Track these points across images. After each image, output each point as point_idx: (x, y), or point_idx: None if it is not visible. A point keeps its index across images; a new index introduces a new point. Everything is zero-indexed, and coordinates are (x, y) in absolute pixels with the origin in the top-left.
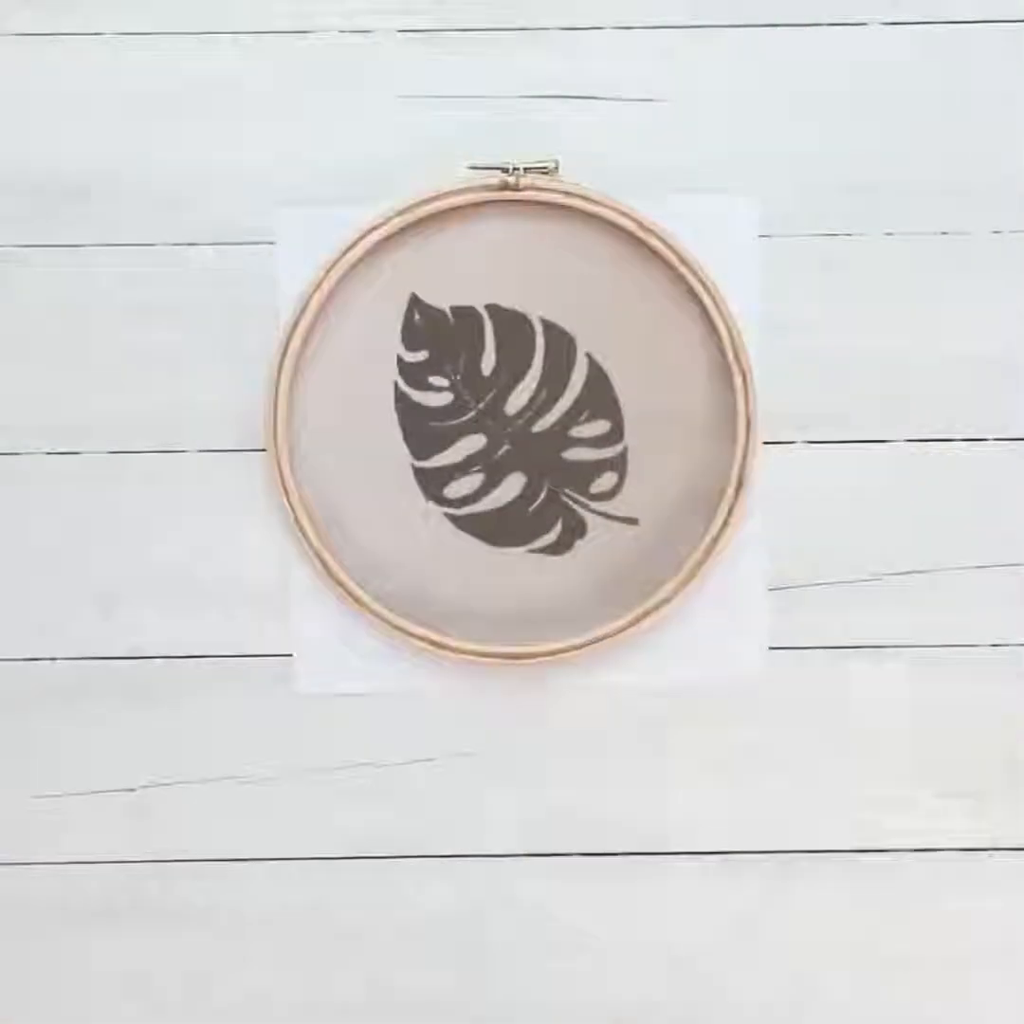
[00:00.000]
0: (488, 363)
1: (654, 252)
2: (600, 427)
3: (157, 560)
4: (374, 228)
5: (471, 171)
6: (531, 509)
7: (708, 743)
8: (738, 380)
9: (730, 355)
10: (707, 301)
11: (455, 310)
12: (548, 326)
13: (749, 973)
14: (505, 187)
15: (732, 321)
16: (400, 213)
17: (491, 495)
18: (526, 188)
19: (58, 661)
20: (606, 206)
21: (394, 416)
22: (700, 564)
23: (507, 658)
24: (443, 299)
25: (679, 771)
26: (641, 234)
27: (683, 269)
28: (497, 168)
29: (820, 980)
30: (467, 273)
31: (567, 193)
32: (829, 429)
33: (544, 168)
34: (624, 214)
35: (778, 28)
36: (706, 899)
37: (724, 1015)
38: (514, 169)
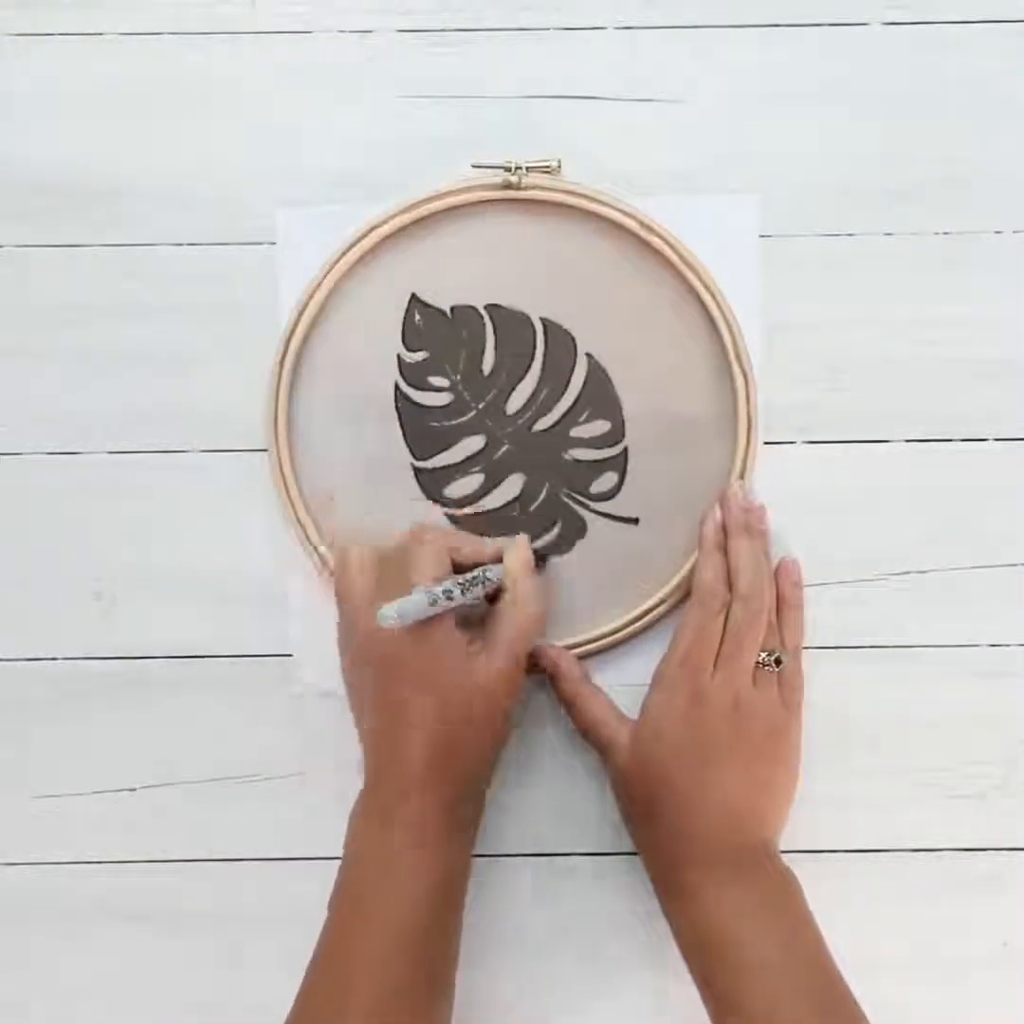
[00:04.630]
0: (488, 363)
1: (656, 252)
2: (600, 427)
3: (157, 560)
4: (375, 227)
5: (474, 170)
6: (531, 509)
7: None
8: (739, 380)
9: (731, 355)
10: (708, 301)
11: (455, 310)
12: (548, 326)
13: None
14: (507, 186)
15: (734, 321)
16: (401, 212)
17: (491, 495)
18: (529, 187)
19: (58, 661)
20: (609, 206)
21: (394, 416)
22: None
23: None
24: (443, 299)
25: None
26: (643, 234)
27: (685, 269)
28: (500, 167)
29: None
30: (467, 273)
31: (569, 192)
32: (829, 429)
33: (547, 167)
34: (626, 214)
35: (778, 28)
36: None
37: None
38: (516, 168)
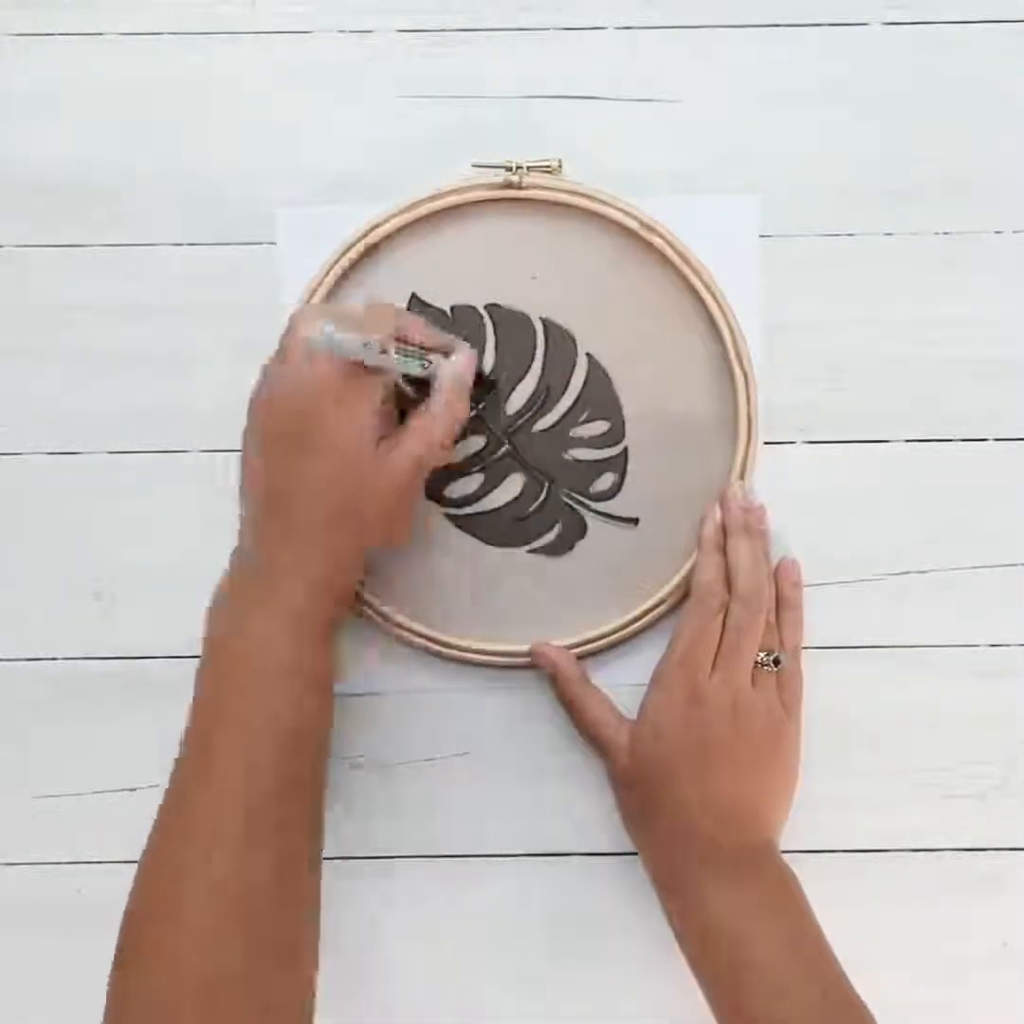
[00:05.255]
0: (488, 363)
1: (656, 252)
2: (600, 427)
3: (157, 560)
4: (375, 227)
5: (474, 169)
6: (531, 509)
7: None
8: (739, 380)
9: (731, 355)
10: (709, 301)
11: (455, 310)
12: (548, 326)
13: None
14: (508, 186)
15: (735, 321)
16: (401, 212)
17: (491, 495)
18: (529, 187)
19: (58, 661)
20: (609, 205)
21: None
22: None
23: (507, 658)
24: (443, 299)
25: None
26: (644, 233)
27: (685, 269)
28: (500, 167)
29: None
30: (467, 273)
31: (570, 192)
32: (829, 429)
33: (548, 167)
34: (627, 213)
35: (778, 28)
36: None
37: None
38: (517, 168)
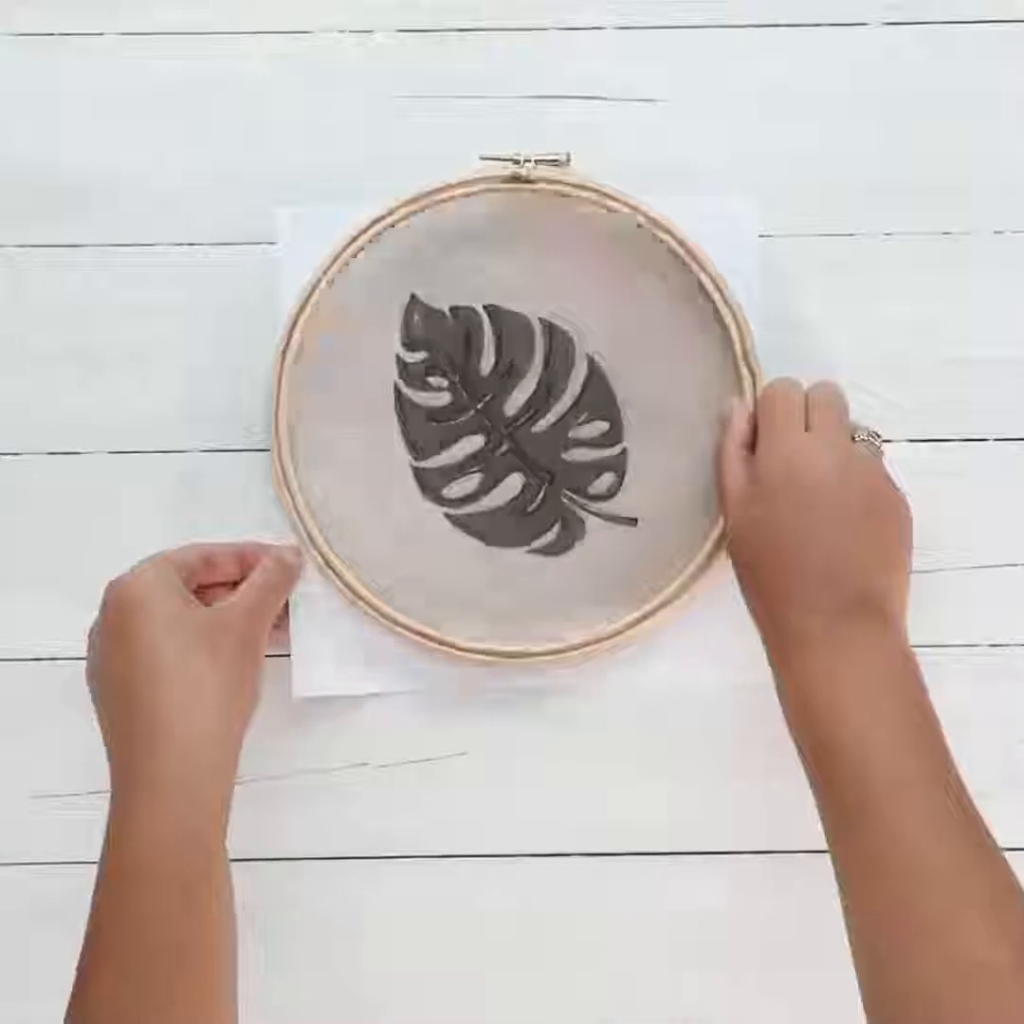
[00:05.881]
0: (488, 363)
1: (662, 250)
2: (600, 427)
3: None
4: (376, 221)
5: (483, 162)
6: (530, 509)
7: (708, 743)
8: (747, 380)
9: (739, 353)
10: (717, 298)
11: (455, 310)
12: (548, 326)
13: (750, 972)
14: (516, 179)
15: (743, 319)
16: (407, 203)
17: (490, 495)
18: (538, 180)
19: (58, 661)
20: (617, 200)
21: (394, 416)
22: (700, 565)
23: (506, 658)
24: (443, 299)
25: (679, 771)
26: (650, 229)
27: (694, 266)
28: (508, 159)
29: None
30: (467, 273)
31: (578, 187)
32: None
33: (556, 159)
34: (634, 209)
35: (778, 28)
36: (708, 898)
37: (725, 1016)
38: (525, 160)
